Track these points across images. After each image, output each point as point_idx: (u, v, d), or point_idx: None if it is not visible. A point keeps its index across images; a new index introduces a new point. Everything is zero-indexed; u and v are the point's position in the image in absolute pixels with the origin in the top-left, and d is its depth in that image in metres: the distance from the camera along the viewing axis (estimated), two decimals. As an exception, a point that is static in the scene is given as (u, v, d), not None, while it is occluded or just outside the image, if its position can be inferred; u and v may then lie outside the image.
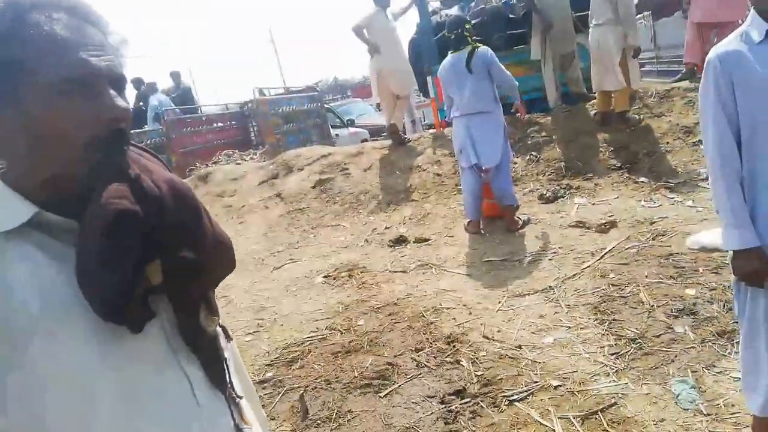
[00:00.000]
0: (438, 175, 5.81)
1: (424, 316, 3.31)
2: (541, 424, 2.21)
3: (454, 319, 3.21)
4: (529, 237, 4.25)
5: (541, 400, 2.36)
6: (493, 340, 2.90)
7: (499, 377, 2.55)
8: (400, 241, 4.71)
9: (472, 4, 8.18)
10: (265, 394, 2.74)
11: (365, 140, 9.79)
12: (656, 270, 3.28)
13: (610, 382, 2.40)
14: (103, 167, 0.71)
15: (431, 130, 7.21)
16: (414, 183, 5.82)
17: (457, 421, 2.32)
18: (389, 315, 3.41)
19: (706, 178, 4.13)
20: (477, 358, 2.73)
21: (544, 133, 5.98)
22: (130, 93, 10.09)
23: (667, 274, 3.21)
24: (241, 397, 0.92)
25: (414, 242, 4.64)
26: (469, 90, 4.27)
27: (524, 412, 2.30)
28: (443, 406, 2.43)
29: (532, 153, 5.70)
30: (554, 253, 3.86)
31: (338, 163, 6.63)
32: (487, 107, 4.28)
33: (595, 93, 5.75)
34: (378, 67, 6.29)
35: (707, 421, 2.08)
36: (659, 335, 2.67)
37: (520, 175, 5.43)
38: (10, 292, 0.67)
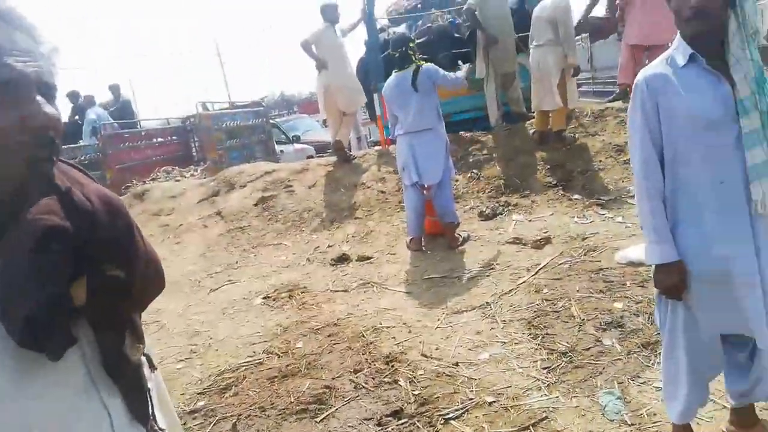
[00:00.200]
0: (382, 192, 5.83)
1: (363, 336, 3.28)
2: (475, 442, 2.22)
3: (394, 338, 3.20)
4: (469, 254, 4.32)
5: (476, 417, 2.37)
6: (431, 358, 2.90)
7: (435, 396, 2.55)
8: (343, 259, 4.67)
9: (419, 22, 8.37)
10: (196, 425, 2.62)
11: (311, 157, 9.74)
12: (587, 284, 3.40)
13: (542, 396, 2.44)
14: (32, 178, 0.67)
15: (377, 147, 7.26)
16: (358, 200, 5.81)
17: (393, 444, 2.29)
18: (329, 336, 3.36)
19: (634, 195, 4.35)
20: (415, 377, 2.72)
21: (485, 151, 6.14)
22: (67, 107, 9.67)
23: (597, 288, 3.33)
24: (164, 431, 0.88)
25: (356, 260, 4.62)
26: (413, 108, 4.32)
27: (459, 431, 2.30)
28: (380, 428, 2.40)
29: (474, 170, 5.83)
30: (492, 269, 3.93)
31: (282, 180, 6.55)
32: (430, 125, 4.35)
33: (534, 112, 5.97)
34: (325, 83, 6.31)
35: (631, 431, 2.15)
36: (588, 348, 2.75)
37: (461, 193, 5.53)
38: None
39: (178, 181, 7.74)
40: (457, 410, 2.42)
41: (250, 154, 9.42)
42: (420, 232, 4.58)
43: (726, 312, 1.64)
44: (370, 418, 2.47)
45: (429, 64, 4.42)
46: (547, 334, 2.96)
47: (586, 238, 4.12)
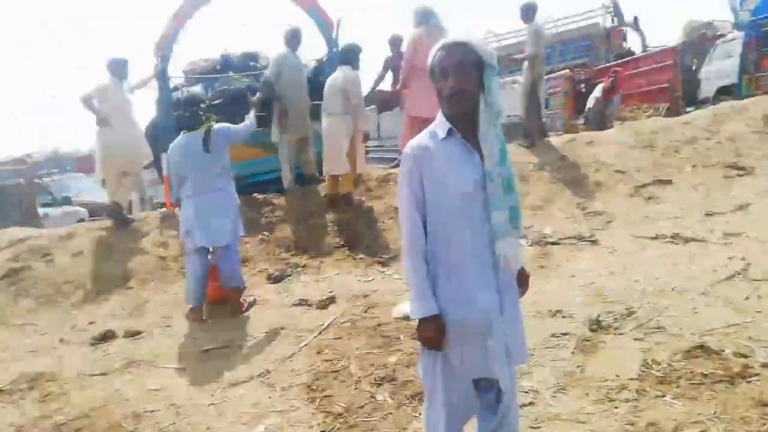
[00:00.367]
0: (162, 258, 5.33)
1: (121, 426, 2.82)
2: None
3: (158, 423, 2.81)
4: (254, 319, 4.13)
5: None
6: (199, 441, 2.61)
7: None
8: (107, 337, 4.05)
9: (217, 84, 8.20)
10: None
11: (82, 220, 8.58)
12: (366, 341, 3.48)
13: (314, 465, 2.34)
14: None
15: (162, 209, 6.71)
16: (133, 268, 5.21)
17: None
18: (76, 431, 2.81)
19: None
20: (176, 467, 2.39)
21: (277, 213, 6.11)
22: None
23: (376, 343, 3.43)
24: None
25: (123, 337, 4.05)
26: (203, 169, 4.11)
27: None
28: None
29: (264, 233, 5.73)
30: (276, 333, 3.80)
31: (40, 248, 5.57)
32: (220, 186, 4.17)
33: (325, 176, 6.19)
34: (106, 140, 5.82)
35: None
36: (363, 406, 2.76)
37: (250, 255, 5.35)
38: None
39: None
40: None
41: (5, 218, 7.91)
42: (201, 300, 4.25)
43: (477, 358, 1.78)
44: None
45: (220, 124, 4.29)
46: (325, 396, 2.91)
47: (368, 295, 4.28)
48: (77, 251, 5.51)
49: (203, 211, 4.12)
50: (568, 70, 11.68)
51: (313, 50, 7.87)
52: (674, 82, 10.37)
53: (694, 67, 11.55)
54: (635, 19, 13.85)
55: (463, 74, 1.69)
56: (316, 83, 6.81)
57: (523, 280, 1.92)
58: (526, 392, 2.62)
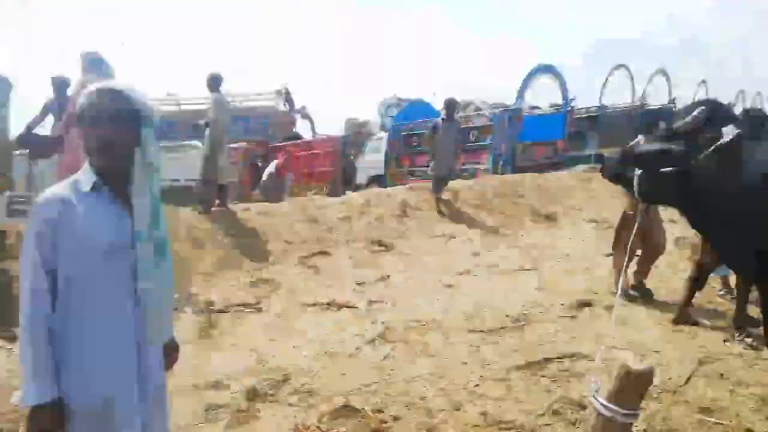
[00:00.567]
0: None
1: None
2: None
3: None
4: None
5: None
6: None
7: None
8: None
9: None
10: None
11: None
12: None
13: None
14: None
15: None
16: None
17: None
18: None
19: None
20: None
21: None
22: None
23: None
24: None
25: None
26: None
27: None
28: None
29: None
30: None
31: None
32: None
33: None
34: None
35: None
36: None
37: None
38: None
39: None
40: None
41: None
42: None
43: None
44: None
45: None
46: None
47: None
48: None
49: None
50: (245, 143, 12.31)
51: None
52: (335, 167, 12.07)
53: (351, 157, 13.69)
54: (303, 107, 15.94)
55: (116, 125, 1.52)
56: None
57: (170, 352, 1.77)
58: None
